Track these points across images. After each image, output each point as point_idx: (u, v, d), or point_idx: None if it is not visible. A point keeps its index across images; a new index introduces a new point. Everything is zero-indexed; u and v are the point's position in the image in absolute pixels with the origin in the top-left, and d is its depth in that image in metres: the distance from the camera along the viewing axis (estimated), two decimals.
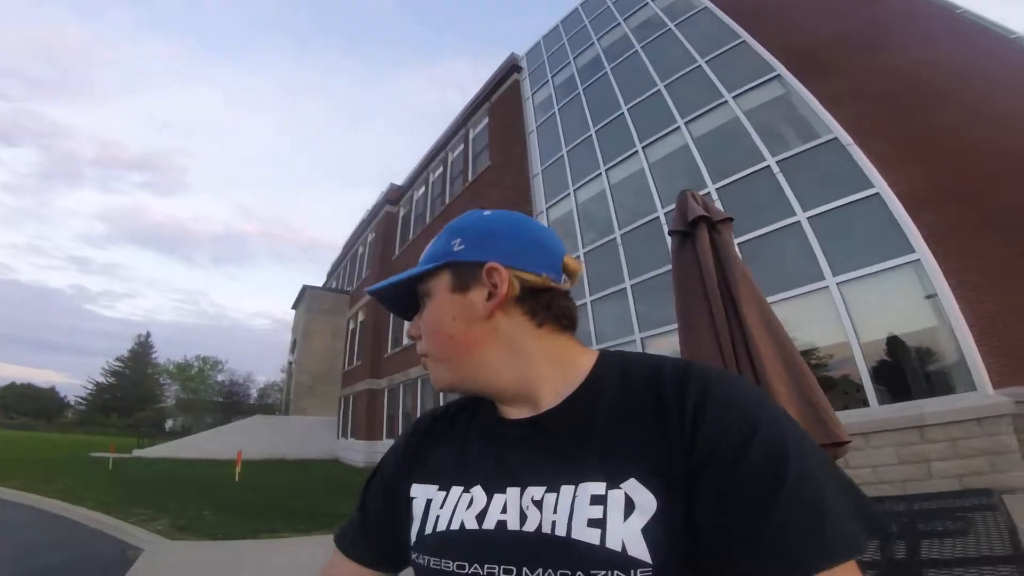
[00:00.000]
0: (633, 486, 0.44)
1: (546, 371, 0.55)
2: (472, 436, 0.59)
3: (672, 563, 0.41)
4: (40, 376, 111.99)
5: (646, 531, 0.42)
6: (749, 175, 5.99)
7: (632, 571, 0.41)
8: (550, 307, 0.57)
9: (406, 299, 0.62)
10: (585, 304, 8.06)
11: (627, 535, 0.42)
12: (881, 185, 4.85)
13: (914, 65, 5.30)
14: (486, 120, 13.35)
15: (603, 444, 0.48)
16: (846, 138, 5.25)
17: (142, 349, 51.17)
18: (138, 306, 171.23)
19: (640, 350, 6.72)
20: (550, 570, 0.44)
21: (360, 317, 18.42)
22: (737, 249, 2.03)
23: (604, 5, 11.45)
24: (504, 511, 0.49)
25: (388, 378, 15.04)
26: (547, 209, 9.79)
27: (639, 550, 0.41)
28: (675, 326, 2.22)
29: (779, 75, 6.26)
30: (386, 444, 14.15)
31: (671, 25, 8.79)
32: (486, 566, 0.47)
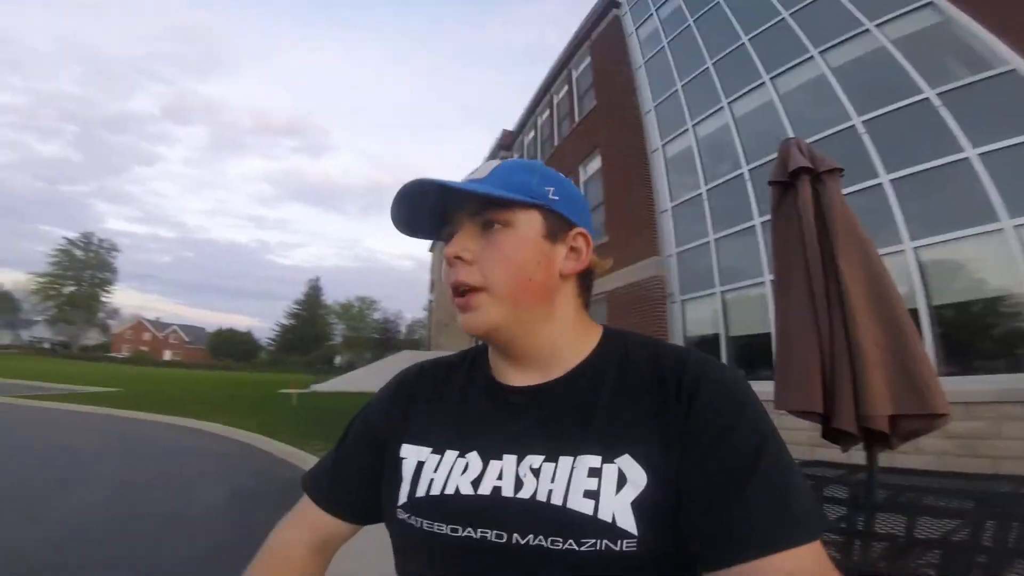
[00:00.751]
0: (627, 462, 0.47)
1: (570, 342, 0.57)
2: (469, 399, 0.59)
3: (655, 536, 0.44)
4: (238, 321, 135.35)
5: (635, 505, 0.45)
6: (904, 107, 5.36)
7: (619, 541, 0.44)
8: (590, 289, 0.62)
9: (429, 211, 0.58)
10: (708, 242, 7.99)
11: (617, 507, 0.45)
12: None
13: None
14: (588, 59, 12.76)
15: (602, 420, 0.50)
16: None
17: (314, 292, 57.67)
18: (308, 253, 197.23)
19: (768, 293, 6.61)
20: (540, 536, 0.46)
21: None
22: (844, 202, 1.95)
23: None
24: (500, 477, 0.50)
25: None
26: (663, 146, 9.48)
27: (627, 522, 0.44)
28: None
29: (932, 2, 5.32)
30: None
31: None
32: (479, 530, 0.48)
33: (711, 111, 8.40)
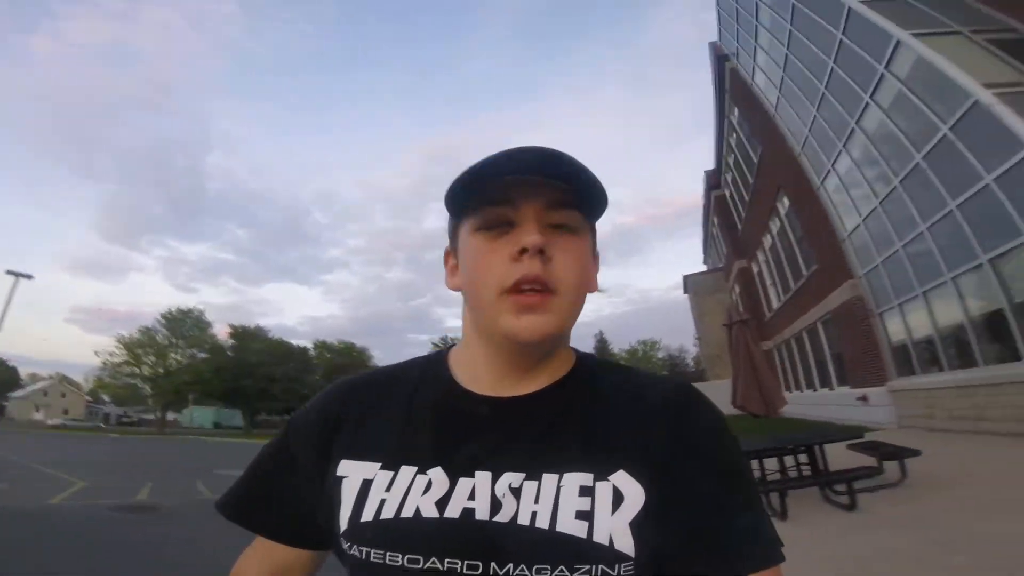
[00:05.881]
0: (622, 478, 0.43)
1: (557, 356, 0.54)
2: (424, 410, 0.52)
3: (650, 557, 0.41)
4: None
5: (633, 525, 0.41)
6: None
7: (616, 565, 0.40)
8: None
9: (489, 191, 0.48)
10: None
11: (614, 528, 0.41)
12: None
13: None
14: (736, 110, 13.81)
15: (588, 434, 0.47)
16: None
17: (601, 345, 62.98)
18: (585, 310, 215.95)
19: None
20: (523, 565, 0.40)
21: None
22: (740, 334, 5.51)
23: None
24: (472, 497, 0.44)
25: (772, 340, 16.04)
26: (822, 183, 9.96)
27: (625, 544, 0.41)
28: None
29: None
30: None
31: None
32: (447, 561, 0.41)
33: (845, 139, 8.88)
